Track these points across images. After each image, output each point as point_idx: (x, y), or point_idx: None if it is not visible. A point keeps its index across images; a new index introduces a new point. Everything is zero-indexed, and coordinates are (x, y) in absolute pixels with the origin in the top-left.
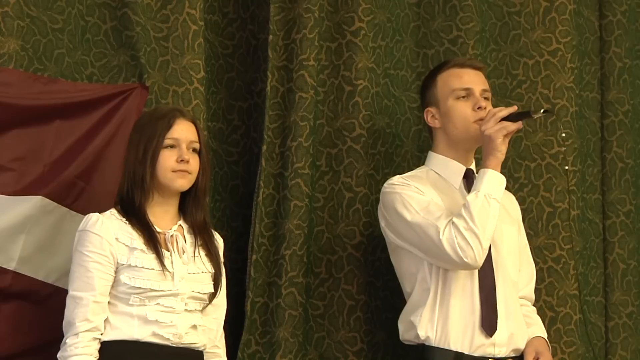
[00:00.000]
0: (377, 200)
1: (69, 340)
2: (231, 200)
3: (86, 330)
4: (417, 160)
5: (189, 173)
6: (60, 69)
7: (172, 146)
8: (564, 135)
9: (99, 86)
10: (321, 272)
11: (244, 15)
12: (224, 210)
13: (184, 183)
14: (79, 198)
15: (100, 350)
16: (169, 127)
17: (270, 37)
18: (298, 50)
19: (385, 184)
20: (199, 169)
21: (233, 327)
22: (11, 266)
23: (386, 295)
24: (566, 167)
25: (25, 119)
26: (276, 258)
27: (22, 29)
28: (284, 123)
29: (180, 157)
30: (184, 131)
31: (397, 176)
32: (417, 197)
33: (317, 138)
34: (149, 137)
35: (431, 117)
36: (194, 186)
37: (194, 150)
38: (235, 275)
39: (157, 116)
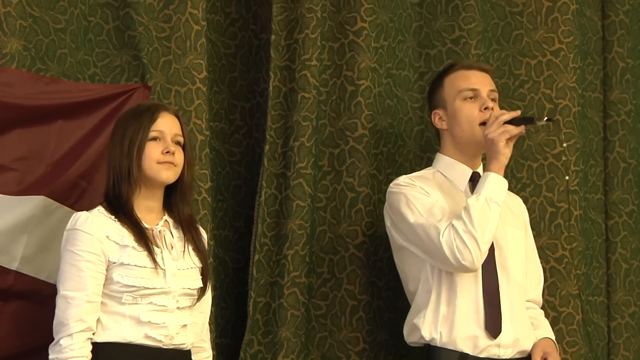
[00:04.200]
0: (380, 201)
1: (63, 341)
2: (233, 200)
3: (80, 331)
4: (419, 160)
5: (175, 165)
6: (62, 69)
7: (157, 138)
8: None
9: (101, 86)
10: (323, 272)
11: (246, 15)
12: (226, 210)
13: (169, 175)
14: (81, 198)
15: (91, 351)
16: (153, 119)
17: (273, 37)
18: (300, 50)
19: (391, 184)
20: (184, 162)
21: (235, 327)
22: (13, 266)
23: (388, 295)
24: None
25: (28, 119)
26: (278, 258)
27: (25, 29)
28: (287, 123)
29: (165, 149)
30: (168, 124)
31: (404, 176)
32: (421, 198)
33: (320, 138)
34: (134, 130)
35: (438, 119)
36: (180, 180)
37: (178, 143)
38: (238, 275)
39: (140, 110)
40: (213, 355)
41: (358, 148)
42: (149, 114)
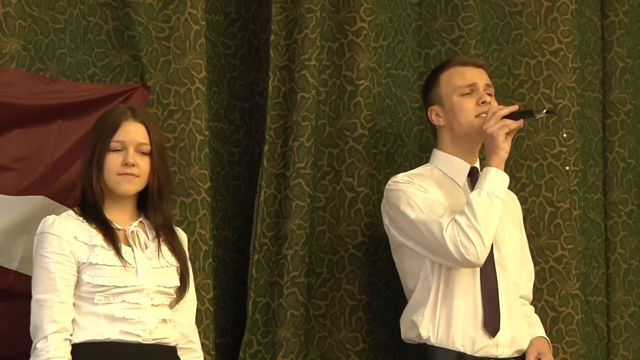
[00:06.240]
0: (379, 200)
1: (39, 344)
2: (233, 201)
3: (55, 332)
4: (418, 160)
5: (136, 176)
6: (62, 69)
7: (118, 149)
8: (565, 135)
9: (100, 86)
10: (323, 272)
11: (246, 15)
12: (225, 210)
13: (129, 187)
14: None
15: (71, 353)
16: (114, 129)
17: (272, 37)
18: (300, 50)
19: (389, 182)
20: (150, 171)
21: (235, 327)
22: (13, 266)
23: (388, 295)
24: (567, 168)
25: (27, 119)
26: (278, 258)
27: (24, 29)
28: (286, 123)
29: (124, 161)
30: (130, 133)
31: (402, 174)
32: (421, 195)
33: (319, 138)
34: (97, 140)
35: (435, 115)
36: (149, 189)
37: (144, 152)
38: (237, 275)
39: (106, 117)
40: (212, 356)
41: (357, 148)
42: (111, 123)
